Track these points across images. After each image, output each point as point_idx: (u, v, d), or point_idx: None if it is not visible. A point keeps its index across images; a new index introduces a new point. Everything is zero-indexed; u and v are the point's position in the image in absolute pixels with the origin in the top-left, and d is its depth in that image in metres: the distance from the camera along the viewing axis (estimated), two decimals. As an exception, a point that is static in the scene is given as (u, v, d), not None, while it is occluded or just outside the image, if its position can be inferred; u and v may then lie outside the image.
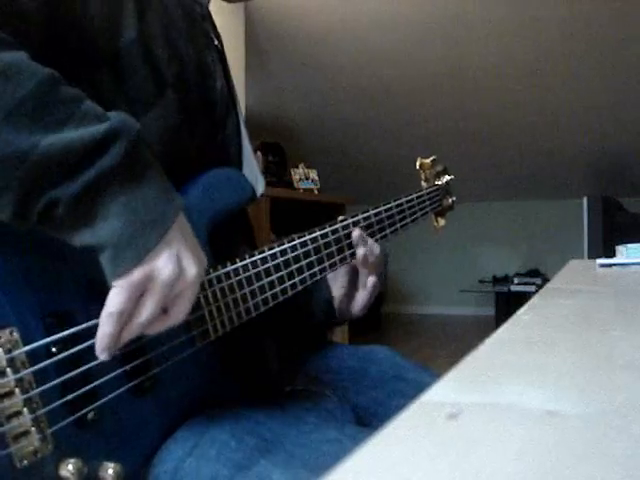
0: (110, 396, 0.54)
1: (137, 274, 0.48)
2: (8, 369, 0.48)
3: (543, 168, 5.19)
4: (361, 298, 0.80)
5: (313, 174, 3.32)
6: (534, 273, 5.54)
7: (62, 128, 0.45)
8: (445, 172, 1.07)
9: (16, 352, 0.48)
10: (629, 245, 1.17)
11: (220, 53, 0.79)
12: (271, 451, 0.56)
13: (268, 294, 0.67)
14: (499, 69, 3.76)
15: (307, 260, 0.72)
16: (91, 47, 0.57)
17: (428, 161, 1.05)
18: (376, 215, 0.83)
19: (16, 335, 0.49)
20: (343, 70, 3.92)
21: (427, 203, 0.96)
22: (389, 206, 0.86)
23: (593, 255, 3.08)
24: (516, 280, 5.31)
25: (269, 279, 0.67)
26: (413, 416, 0.25)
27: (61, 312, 0.52)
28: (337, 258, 0.75)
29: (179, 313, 0.52)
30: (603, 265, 1.12)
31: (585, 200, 3.39)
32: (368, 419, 0.78)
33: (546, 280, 4.87)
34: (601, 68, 3.64)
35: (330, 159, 4.85)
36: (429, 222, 1.05)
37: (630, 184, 5.13)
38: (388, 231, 0.85)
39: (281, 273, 0.69)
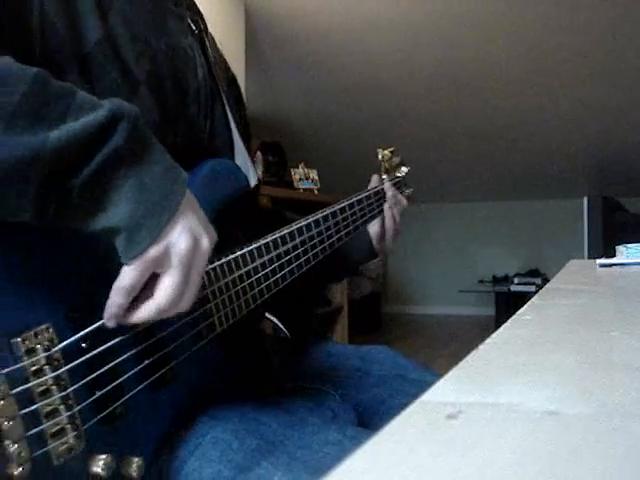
0: (136, 390, 0.54)
1: (153, 252, 0.48)
2: (46, 367, 0.48)
3: (543, 168, 5.19)
4: (389, 234, 0.96)
5: (313, 174, 3.31)
6: (534, 273, 5.54)
7: (63, 122, 0.45)
8: (403, 163, 1.10)
9: (54, 349, 0.48)
10: (629, 245, 1.17)
11: (200, 39, 0.77)
12: (273, 453, 0.56)
13: (271, 281, 0.70)
14: (499, 69, 3.76)
15: (301, 249, 0.75)
16: (57, 53, 0.56)
17: (388, 152, 1.07)
18: (349, 208, 0.88)
19: (52, 332, 0.49)
20: (343, 70, 3.92)
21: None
22: (352, 201, 0.91)
23: (593, 255, 3.08)
24: (516, 280, 5.31)
25: (270, 268, 0.70)
26: (413, 416, 0.25)
27: (85, 306, 0.52)
28: (327, 244, 0.82)
29: (195, 285, 0.52)
30: (603, 265, 1.12)
31: (585, 200, 3.39)
32: (370, 417, 0.78)
33: (546, 280, 4.87)
34: (601, 68, 3.64)
35: (330, 159, 4.85)
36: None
37: (630, 184, 5.13)
38: (360, 222, 0.91)
39: (278, 263, 0.71)
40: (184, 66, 0.69)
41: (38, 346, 0.47)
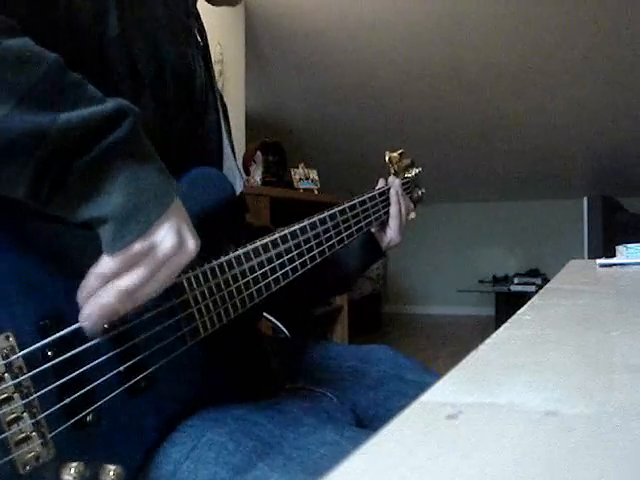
0: (107, 397, 0.54)
1: (137, 246, 0.49)
2: (6, 374, 0.47)
3: (543, 168, 5.19)
4: (394, 225, 0.96)
5: (313, 174, 3.31)
6: (534, 273, 5.54)
7: (72, 108, 0.46)
8: (413, 165, 1.08)
9: (13, 357, 0.48)
10: (629, 245, 1.17)
11: (203, 51, 0.78)
12: (269, 454, 0.56)
13: (261, 285, 0.68)
14: (499, 69, 3.76)
15: (295, 252, 0.74)
16: (76, 44, 0.57)
17: (396, 154, 1.05)
18: (350, 209, 0.86)
19: (12, 340, 0.48)
20: (343, 70, 3.92)
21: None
22: (362, 199, 0.89)
23: (593, 255, 3.08)
24: (516, 280, 5.31)
25: (257, 273, 0.68)
26: (413, 416, 0.25)
27: (55, 315, 0.51)
28: (316, 251, 0.79)
29: (164, 277, 0.52)
30: (603, 265, 1.12)
31: (585, 200, 3.39)
32: (368, 419, 0.78)
33: (546, 280, 4.87)
34: (601, 68, 3.64)
35: (330, 159, 4.85)
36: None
37: (630, 184, 5.13)
38: (363, 223, 0.89)
39: (269, 266, 0.70)
40: (187, 74, 0.71)
41: None
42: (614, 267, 1.10)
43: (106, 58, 0.59)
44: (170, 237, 0.50)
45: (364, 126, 4.65)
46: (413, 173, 1.07)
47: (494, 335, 0.41)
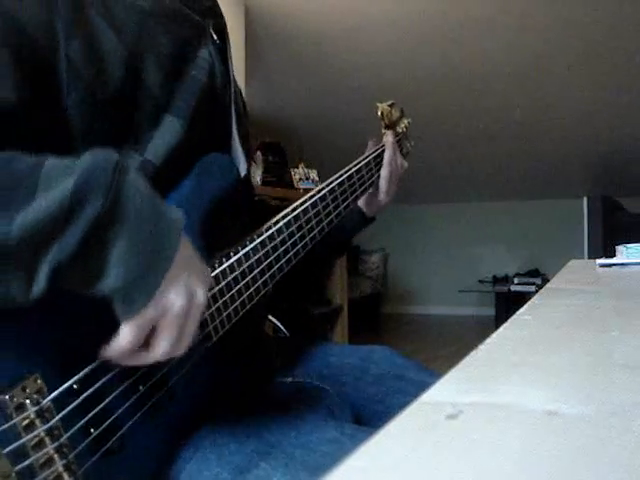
0: (132, 420, 0.53)
1: (150, 313, 0.48)
2: (37, 420, 0.46)
3: (543, 168, 5.19)
4: (385, 187, 0.92)
5: (313, 174, 3.31)
6: (534, 273, 5.54)
7: (33, 200, 0.43)
8: (403, 115, 1.04)
9: (44, 401, 0.47)
10: (629, 245, 1.17)
11: (221, 49, 0.76)
12: (271, 453, 0.56)
13: (267, 277, 0.68)
14: (499, 69, 3.76)
15: (292, 240, 0.73)
16: (84, 97, 0.55)
17: (387, 106, 1.01)
18: (348, 180, 0.84)
19: (40, 382, 0.47)
20: (344, 70, 3.92)
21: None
22: (359, 166, 0.87)
23: (593, 255, 3.08)
24: (516, 280, 5.31)
25: (262, 266, 0.68)
26: (413, 416, 0.25)
27: (77, 348, 0.50)
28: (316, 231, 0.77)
29: (190, 335, 0.52)
30: (603, 265, 1.12)
31: (585, 200, 3.39)
32: (367, 417, 0.78)
33: (546, 280, 4.87)
34: (601, 68, 3.64)
35: (330, 159, 4.85)
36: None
37: (630, 184, 5.13)
38: (359, 192, 0.87)
39: (274, 255, 0.69)
40: (207, 74, 0.69)
41: (27, 401, 0.46)
42: (614, 267, 1.10)
43: (121, 99, 0.58)
44: (180, 297, 0.49)
45: (365, 126, 4.65)
46: (403, 125, 1.04)
47: (494, 335, 0.41)
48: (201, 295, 0.52)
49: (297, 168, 3.28)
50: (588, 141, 4.61)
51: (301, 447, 0.57)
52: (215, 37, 0.76)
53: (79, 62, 0.55)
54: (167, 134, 0.62)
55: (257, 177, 2.99)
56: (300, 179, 3.24)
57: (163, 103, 0.62)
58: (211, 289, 0.61)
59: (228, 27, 0.81)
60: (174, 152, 0.62)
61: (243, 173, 0.76)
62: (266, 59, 3.84)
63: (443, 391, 0.28)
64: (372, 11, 3.22)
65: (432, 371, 0.85)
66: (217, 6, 0.78)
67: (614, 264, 1.12)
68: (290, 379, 0.78)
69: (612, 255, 1.24)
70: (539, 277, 5.35)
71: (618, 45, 3.37)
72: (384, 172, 0.92)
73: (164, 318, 0.49)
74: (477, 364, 0.33)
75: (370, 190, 0.92)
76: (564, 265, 1.19)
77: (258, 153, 3.06)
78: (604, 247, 3.15)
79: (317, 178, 3.31)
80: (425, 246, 6.28)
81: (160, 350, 0.50)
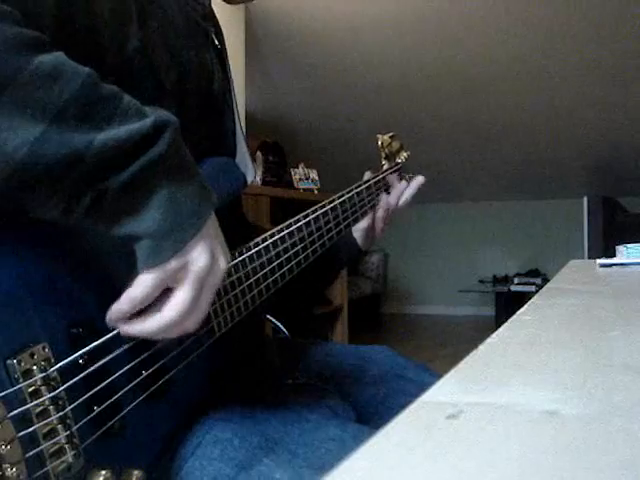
0: (134, 403, 0.53)
1: (173, 264, 0.48)
2: (43, 387, 0.47)
3: (543, 168, 5.19)
4: (379, 227, 0.93)
5: (313, 174, 3.31)
6: (534, 273, 5.54)
7: (108, 124, 0.45)
8: (402, 148, 1.06)
9: (50, 370, 0.47)
10: (629, 245, 1.17)
11: (220, 53, 0.78)
12: (274, 450, 0.56)
13: (270, 281, 0.69)
14: (499, 69, 3.76)
15: (301, 245, 0.74)
16: (99, 57, 0.56)
17: (388, 137, 1.03)
18: (349, 200, 0.86)
19: (48, 351, 0.48)
20: (344, 70, 3.92)
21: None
22: (359, 189, 0.88)
23: (593, 255, 3.08)
24: (516, 280, 5.31)
25: (266, 270, 0.68)
26: (413, 416, 0.25)
27: (86, 322, 0.51)
28: (325, 239, 0.79)
29: (205, 304, 0.52)
30: (603, 265, 1.12)
31: (585, 200, 3.39)
32: (368, 416, 0.78)
33: (546, 280, 4.87)
34: (601, 68, 3.64)
35: (330, 159, 4.85)
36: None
37: (630, 184, 5.13)
38: (359, 213, 0.88)
39: (277, 261, 0.70)
40: (206, 78, 0.71)
41: (34, 367, 0.46)
42: (614, 267, 1.10)
43: (129, 69, 0.58)
44: (204, 257, 0.50)
45: (365, 126, 4.65)
46: (403, 157, 1.06)
47: (494, 335, 0.41)
48: (223, 262, 0.53)
49: (297, 168, 3.28)
50: (588, 141, 4.61)
51: (304, 445, 0.57)
52: (216, 42, 0.77)
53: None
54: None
55: (257, 177, 2.99)
56: (300, 179, 3.24)
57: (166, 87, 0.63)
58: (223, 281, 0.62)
59: (228, 27, 0.82)
60: None
61: (250, 179, 0.76)
62: (266, 59, 3.84)
63: (443, 391, 0.28)
64: (372, 11, 3.22)
65: (432, 371, 0.86)
66: (211, 8, 0.79)
67: (614, 264, 1.12)
68: (291, 381, 0.78)
69: (612, 255, 1.24)
70: (539, 277, 5.35)
71: (618, 45, 3.37)
72: (381, 213, 0.92)
73: (185, 273, 0.50)
74: (477, 364, 0.33)
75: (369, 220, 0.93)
76: (564, 265, 1.18)
77: (258, 153, 3.07)
78: (604, 247, 3.15)
79: (317, 178, 3.31)
80: (425, 246, 6.28)
81: (174, 310, 0.49)
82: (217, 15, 0.82)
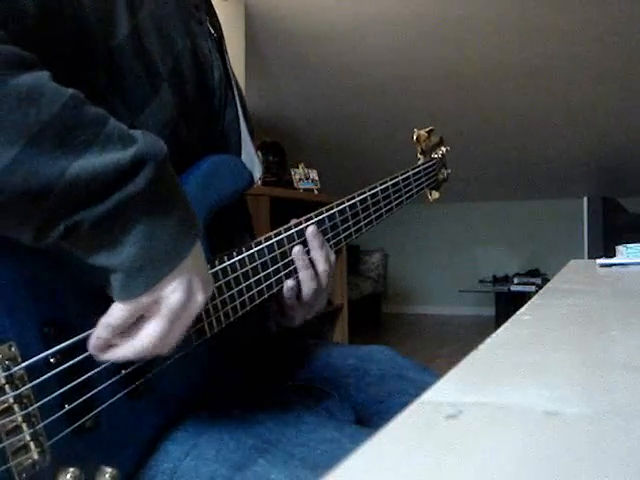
0: (108, 402, 0.53)
1: (144, 299, 0.48)
2: (6, 386, 0.47)
3: (543, 168, 5.19)
4: (301, 313, 0.75)
5: (313, 174, 3.31)
6: (534, 273, 5.54)
7: (86, 151, 0.43)
8: (442, 143, 1.04)
9: (15, 368, 0.47)
10: (629, 245, 1.17)
11: (218, 42, 0.78)
12: (269, 451, 0.56)
13: (264, 285, 0.67)
14: (499, 69, 3.76)
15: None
16: (87, 46, 0.56)
17: (425, 132, 1.00)
18: (372, 197, 0.82)
19: (14, 350, 0.48)
20: (343, 70, 3.92)
21: (423, 179, 0.94)
22: (385, 186, 0.84)
23: (593, 255, 3.08)
24: (516, 280, 5.31)
25: (263, 273, 0.67)
26: (413, 416, 0.25)
27: (59, 321, 0.51)
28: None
29: (178, 335, 0.52)
30: (603, 265, 1.12)
31: (585, 200, 3.39)
32: (368, 417, 0.78)
33: (546, 280, 4.87)
34: (601, 69, 3.64)
35: (330, 159, 4.85)
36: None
37: (630, 184, 5.13)
38: (384, 210, 0.84)
39: (275, 266, 0.69)
40: (204, 66, 0.70)
41: None
42: (614, 267, 1.10)
43: (120, 57, 0.58)
44: (178, 293, 0.49)
45: (365, 126, 4.65)
46: (440, 153, 1.02)
47: (494, 335, 0.41)
48: (200, 299, 0.52)
49: (297, 168, 3.28)
50: (588, 141, 4.61)
51: (300, 445, 0.57)
52: (212, 31, 0.76)
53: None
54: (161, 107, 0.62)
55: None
56: (300, 179, 3.24)
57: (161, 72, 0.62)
58: (216, 281, 0.61)
59: (228, 27, 0.82)
60: (167, 129, 0.62)
61: (257, 177, 0.75)
62: (266, 59, 3.84)
63: (443, 391, 0.28)
64: (372, 11, 3.22)
65: (432, 371, 0.85)
66: (209, 1, 0.79)
67: (614, 264, 1.12)
68: (290, 382, 0.78)
69: (612, 255, 1.24)
70: (539, 277, 5.35)
71: (619, 45, 3.37)
72: (303, 274, 0.71)
73: (158, 307, 0.49)
74: (477, 364, 0.33)
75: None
76: (564, 265, 1.18)
77: (258, 153, 3.06)
78: (604, 247, 3.15)
79: (317, 178, 3.31)
80: (425, 246, 6.28)
81: (146, 340, 0.49)
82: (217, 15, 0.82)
